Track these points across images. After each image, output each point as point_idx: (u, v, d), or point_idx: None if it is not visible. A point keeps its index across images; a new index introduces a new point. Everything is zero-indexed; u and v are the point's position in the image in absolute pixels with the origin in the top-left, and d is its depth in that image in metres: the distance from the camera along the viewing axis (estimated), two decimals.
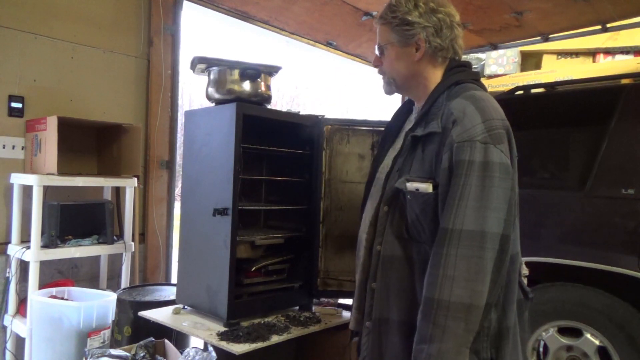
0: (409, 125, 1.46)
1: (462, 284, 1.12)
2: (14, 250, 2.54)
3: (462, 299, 1.12)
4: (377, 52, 1.43)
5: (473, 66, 1.66)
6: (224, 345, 1.90)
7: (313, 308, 2.46)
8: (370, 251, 1.37)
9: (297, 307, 2.43)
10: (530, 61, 5.44)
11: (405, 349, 1.25)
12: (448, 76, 1.35)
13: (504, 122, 1.23)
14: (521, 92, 2.91)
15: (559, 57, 5.18)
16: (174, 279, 3.14)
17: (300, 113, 2.47)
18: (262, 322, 2.16)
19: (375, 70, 1.48)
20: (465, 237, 1.13)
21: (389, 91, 1.46)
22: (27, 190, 2.59)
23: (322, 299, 2.58)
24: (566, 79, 4.58)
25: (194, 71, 2.33)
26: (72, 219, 2.64)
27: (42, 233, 2.49)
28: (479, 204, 1.14)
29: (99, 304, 2.37)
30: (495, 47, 4.49)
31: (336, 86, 19.10)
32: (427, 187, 1.23)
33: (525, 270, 1.42)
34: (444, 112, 1.25)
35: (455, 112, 1.22)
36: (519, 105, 2.82)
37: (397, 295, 1.29)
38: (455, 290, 1.12)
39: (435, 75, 1.37)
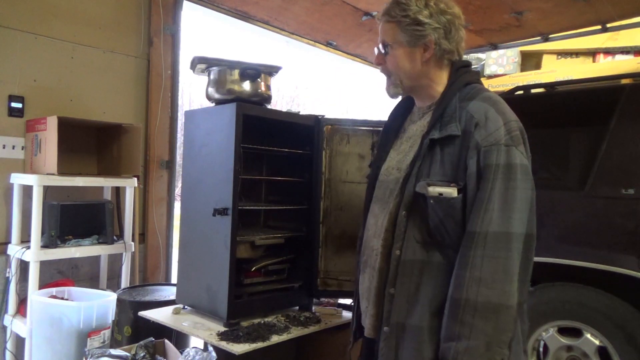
0: (411, 125, 1.45)
1: (489, 285, 1.14)
2: (14, 250, 2.54)
3: (489, 298, 1.14)
4: (380, 50, 1.39)
5: (473, 66, 1.66)
6: (224, 345, 1.90)
7: (313, 308, 2.46)
8: (387, 257, 1.34)
9: (297, 307, 2.44)
10: (530, 61, 5.44)
11: (423, 353, 1.24)
12: (457, 77, 1.34)
13: (519, 123, 1.25)
14: (521, 92, 2.91)
15: (559, 57, 5.18)
16: (174, 279, 3.14)
17: (300, 113, 2.47)
18: (262, 322, 2.16)
19: (376, 70, 1.46)
20: (492, 239, 1.15)
21: (395, 93, 1.43)
22: (27, 190, 2.59)
23: (322, 299, 2.58)
24: (566, 79, 4.58)
25: (194, 71, 2.33)
26: (72, 219, 2.64)
27: (42, 233, 2.49)
28: (503, 206, 1.16)
29: (99, 304, 2.37)
30: (495, 47, 4.49)
31: (336, 86, 19.11)
32: (451, 191, 1.22)
33: None
34: (461, 114, 1.25)
35: (477, 115, 1.22)
36: (519, 105, 2.81)
37: (416, 300, 1.27)
38: (483, 290, 1.14)
39: (440, 77, 1.36)
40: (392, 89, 1.41)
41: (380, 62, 1.41)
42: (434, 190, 1.23)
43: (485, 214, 1.16)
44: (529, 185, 1.20)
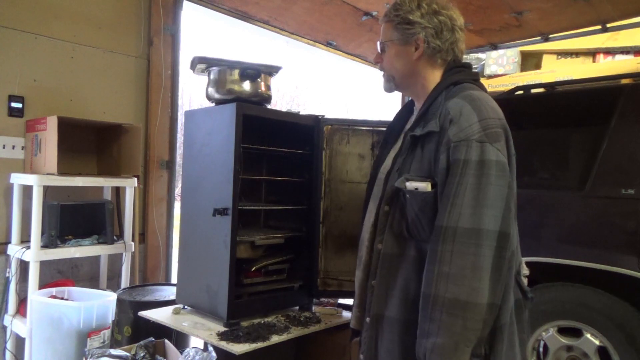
0: (409, 125, 1.47)
1: (457, 281, 1.13)
2: (14, 250, 2.54)
3: (457, 295, 1.13)
4: (378, 49, 1.46)
5: (473, 66, 1.67)
6: (224, 345, 1.90)
7: (313, 308, 2.46)
8: (371, 250, 1.39)
9: (297, 307, 2.43)
10: (530, 61, 5.44)
11: (399, 345, 1.27)
12: (447, 77, 1.37)
13: (502, 121, 1.25)
14: (521, 92, 2.91)
15: (559, 57, 5.18)
16: (174, 279, 3.14)
17: (300, 113, 2.47)
18: (262, 322, 2.16)
19: (375, 70, 1.50)
20: (461, 235, 1.15)
21: (388, 88, 1.49)
22: (27, 190, 2.59)
23: (322, 299, 2.58)
24: (566, 79, 4.58)
25: (194, 71, 2.33)
26: (72, 219, 2.64)
27: (42, 233, 2.49)
28: (475, 202, 1.15)
29: (99, 304, 2.37)
30: (495, 47, 4.49)
31: (336, 86, 19.12)
32: (425, 186, 1.24)
33: (525, 270, 1.42)
34: (441, 111, 1.27)
35: (452, 112, 1.23)
36: (519, 105, 2.82)
37: (394, 292, 1.30)
38: (450, 287, 1.14)
39: (434, 76, 1.39)
40: (386, 84, 1.48)
41: (378, 60, 1.48)
42: (411, 185, 1.26)
43: (452, 208, 1.16)
44: (504, 183, 1.18)
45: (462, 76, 1.36)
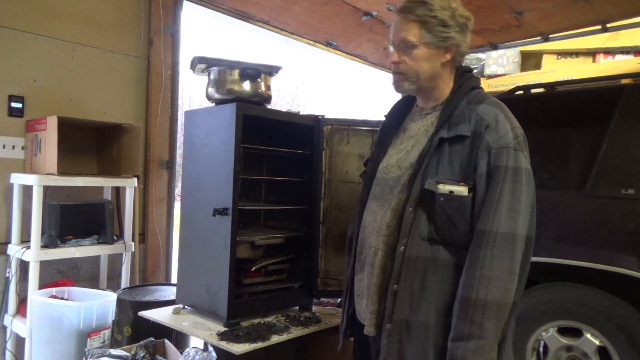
0: (411, 123, 1.46)
1: (497, 284, 1.18)
2: (14, 250, 2.54)
3: (496, 297, 1.17)
4: (400, 48, 1.35)
5: (473, 66, 1.68)
6: (224, 345, 1.90)
7: (313, 308, 2.46)
8: (390, 254, 1.34)
9: (297, 307, 2.44)
10: (530, 61, 5.44)
11: (429, 349, 1.26)
12: (464, 81, 1.37)
13: (522, 130, 1.30)
14: (521, 92, 2.91)
15: (559, 57, 5.18)
16: (174, 279, 3.14)
17: (300, 113, 2.47)
18: (262, 322, 2.16)
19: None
20: (500, 239, 1.19)
21: (409, 90, 1.40)
22: (27, 190, 2.59)
23: (322, 299, 2.58)
24: (566, 79, 4.58)
25: (194, 71, 2.33)
26: (72, 219, 2.64)
27: (42, 233, 2.49)
28: (510, 207, 1.20)
29: (99, 304, 2.37)
30: (495, 47, 4.49)
31: (336, 86, 19.12)
32: (462, 190, 1.25)
33: None
34: (471, 116, 1.28)
35: (487, 118, 1.27)
36: (519, 105, 2.81)
37: (421, 296, 1.28)
38: (492, 289, 1.18)
39: (448, 79, 1.39)
40: (407, 85, 1.38)
41: (398, 60, 1.36)
42: (444, 188, 1.26)
43: (495, 213, 1.20)
44: (532, 189, 1.24)
45: (475, 82, 1.39)
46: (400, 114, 1.51)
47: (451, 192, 1.25)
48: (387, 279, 1.34)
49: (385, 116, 1.56)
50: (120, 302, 2.45)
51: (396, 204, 1.35)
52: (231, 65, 2.24)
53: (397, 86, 1.40)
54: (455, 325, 1.21)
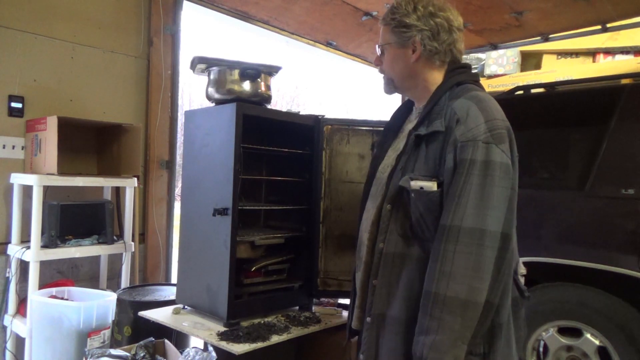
0: (408, 125, 1.47)
1: (458, 280, 1.15)
2: (14, 250, 2.54)
3: (458, 294, 1.14)
4: (378, 51, 1.47)
5: (473, 66, 1.68)
6: (224, 345, 1.90)
7: (313, 308, 2.46)
8: (372, 249, 1.38)
9: (297, 307, 2.44)
10: (530, 61, 5.44)
11: (401, 344, 1.27)
12: (449, 77, 1.37)
13: (505, 123, 1.26)
14: (521, 92, 2.91)
15: (559, 57, 5.18)
16: (174, 279, 3.14)
17: (300, 113, 2.47)
18: (262, 322, 2.16)
19: (375, 70, 1.50)
20: (464, 234, 1.16)
21: (388, 90, 1.49)
22: (27, 190, 2.59)
23: (322, 299, 2.58)
24: (566, 79, 4.58)
25: (194, 71, 2.33)
26: (72, 219, 2.64)
27: (42, 233, 2.49)
28: (479, 202, 1.17)
29: (99, 304, 2.37)
30: (495, 47, 4.49)
31: (336, 86, 19.12)
32: (431, 185, 1.25)
33: (522, 270, 1.43)
34: (447, 111, 1.27)
35: (459, 112, 1.24)
36: (519, 105, 2.81)
37: (397, 291, 1.30)
38: (452, 285, 1.15)
39: (434, 77, 1.39)
40: (386, 87, 1.48)
41: (377, 63, 1.48)
42: (416, 184, 1.26)
43: (457, 208, 1.18)
44: (508, 184, 1.20)
45: (464, 77, 1.38)
46: (401, 116, 1.54)
47: (421, 188, 1.25)
48: (369, 274, 1.39)
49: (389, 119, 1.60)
50: (120, 302, 2.45)
51: (379, 201, 1.39)
52: (231, 65, 2.24)
53: (384, 88, 1.50)
54: (418, 319, 1.21)
